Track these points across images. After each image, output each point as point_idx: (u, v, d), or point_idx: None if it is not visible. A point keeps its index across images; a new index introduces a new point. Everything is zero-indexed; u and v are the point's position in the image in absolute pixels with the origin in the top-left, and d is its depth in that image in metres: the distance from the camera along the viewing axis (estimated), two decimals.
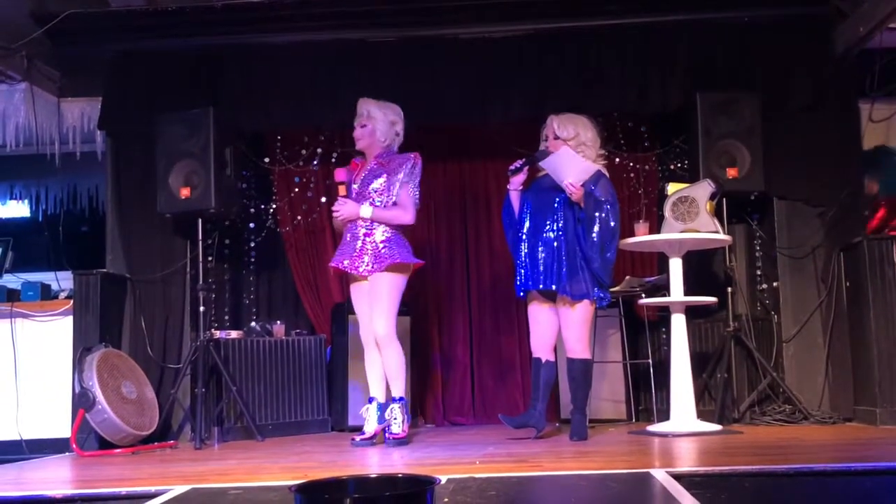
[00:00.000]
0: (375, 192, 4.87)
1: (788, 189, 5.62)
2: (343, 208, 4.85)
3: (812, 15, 5.58)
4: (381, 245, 4.82)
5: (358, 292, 4.94)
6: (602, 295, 4.70)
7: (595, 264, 4.62)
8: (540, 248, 4.73)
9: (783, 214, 5.65)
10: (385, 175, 4.89)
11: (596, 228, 4.63)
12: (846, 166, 5.62)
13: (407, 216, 4.89)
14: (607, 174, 4.81)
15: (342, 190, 4.87)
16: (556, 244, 4.70)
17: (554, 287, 4.66)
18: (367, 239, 4.84)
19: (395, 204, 4.87)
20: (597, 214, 4.64)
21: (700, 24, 5.65)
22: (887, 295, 5.10)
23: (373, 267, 4.81)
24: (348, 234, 4.91)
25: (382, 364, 4.85)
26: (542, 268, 4.70)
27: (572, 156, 4.65)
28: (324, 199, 6.13)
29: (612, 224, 4.66)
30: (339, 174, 4.89)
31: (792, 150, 5.58)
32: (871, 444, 4.20)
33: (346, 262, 4.86)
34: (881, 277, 5.11)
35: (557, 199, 4.74)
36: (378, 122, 4.92)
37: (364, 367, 5.00)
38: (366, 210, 4.83)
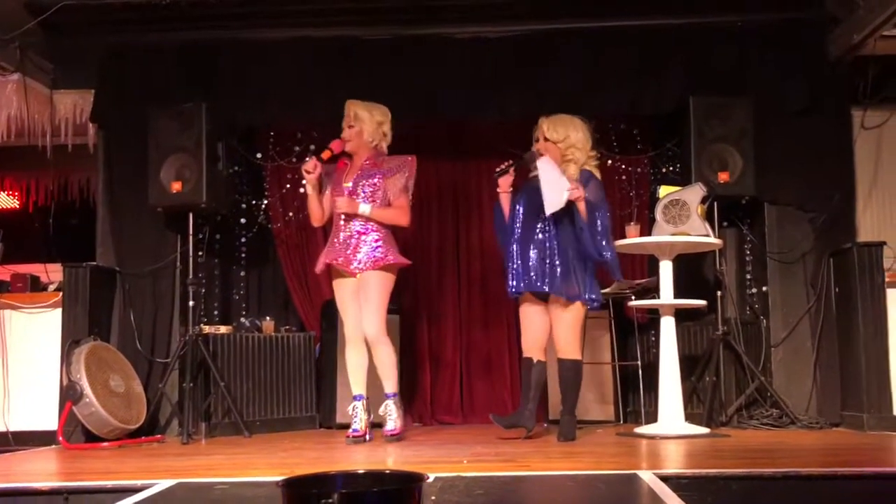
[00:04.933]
0: (369, 191, 4.88)
1: (779, 194, 5.63)
2: (340, 202, 4.83)
3: (806, 21, 5.61)
4: (374, 244, 4.83)
5: (343, 289, 4.94)
6: (594, 297, 4.70)
7: (604, 261, 4.65)
8: (531, 250, 4.72)
9: (774, 219, 5.66)
10: (379, 176, 4.91)
11: (599, 229, 4.64)
12: (838, 172, 5.64)
13: (405, 218, 4.96)
14: (598, 176, 4.80)
15: (327, 155, 4.83)
16: (547, 246, 4.69)
17: (546, 289, 4.65)
18: (363, 238, 4.84)
19: (389, 205, 4.90)
20: (597, 215, 4.64)
21: (695, 28, 5.67)
22: (876, 301, 5.12)
23: (365, 266, 4.81)
24: (341, 234, 4.90)
25: (374, 362, 4.86)
26: (532, 270, 4.69)
27: (550, 172, 4.60)
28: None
29: (601, 227, 4.65)
30: (337, 145, 4.88)
31: (784, 156, 5.59)
32: (858, 450, 4.22)
33: (340, 260, 4.86)
34: (870, 283, 5.14)
35: None
36: (365, 124, 4.93)
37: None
38: (365, 208, 4.83)
